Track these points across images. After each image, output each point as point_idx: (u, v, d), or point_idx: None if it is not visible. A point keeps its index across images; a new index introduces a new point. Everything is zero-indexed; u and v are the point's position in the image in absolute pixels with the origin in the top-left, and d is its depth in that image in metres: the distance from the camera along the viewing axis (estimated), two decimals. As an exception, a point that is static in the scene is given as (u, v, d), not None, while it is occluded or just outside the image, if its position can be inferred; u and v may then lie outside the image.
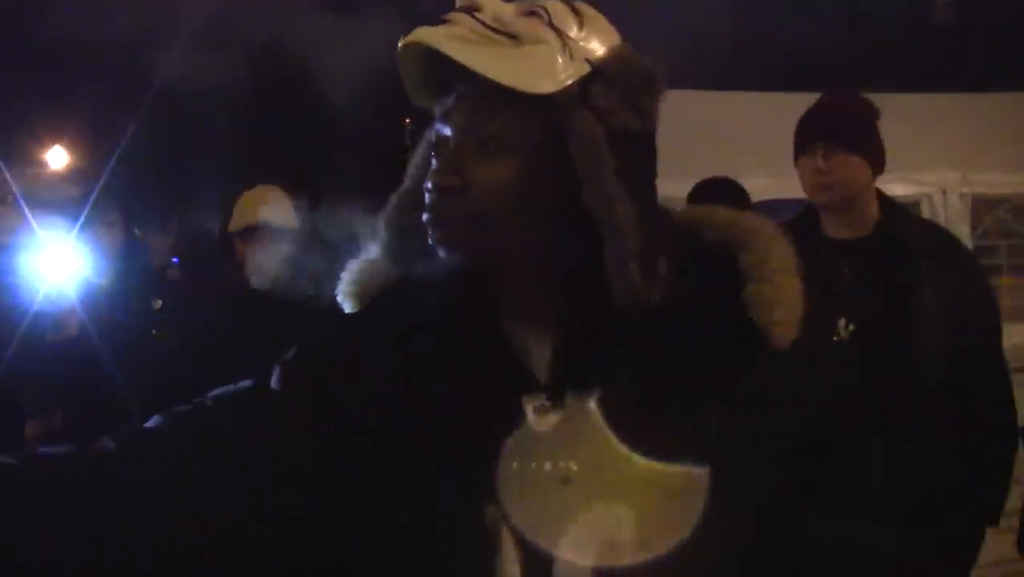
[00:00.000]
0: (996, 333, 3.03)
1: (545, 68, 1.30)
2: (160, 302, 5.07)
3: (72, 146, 25.63)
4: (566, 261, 1.35)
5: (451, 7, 1.33)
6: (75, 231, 4.73)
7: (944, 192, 9.59)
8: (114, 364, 4.16)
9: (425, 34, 1.30)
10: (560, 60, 1.31)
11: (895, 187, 9.50)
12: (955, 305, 2.85)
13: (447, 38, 1.29)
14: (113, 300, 4.66)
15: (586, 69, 1.33)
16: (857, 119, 3.10)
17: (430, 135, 1.46)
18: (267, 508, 1.40)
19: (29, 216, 4.69)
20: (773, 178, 6.56)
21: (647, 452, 1.29)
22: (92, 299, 4.49)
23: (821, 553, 1.36)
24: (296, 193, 4.43)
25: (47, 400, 4.39)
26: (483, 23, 1.30)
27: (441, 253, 1.36)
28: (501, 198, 1.32)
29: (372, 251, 1.54)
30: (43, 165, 22.94)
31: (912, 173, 9.89)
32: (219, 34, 36.25)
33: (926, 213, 9.64)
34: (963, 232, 9.85)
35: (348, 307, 1.54)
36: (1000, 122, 10.79)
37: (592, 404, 1.32)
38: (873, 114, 3.13)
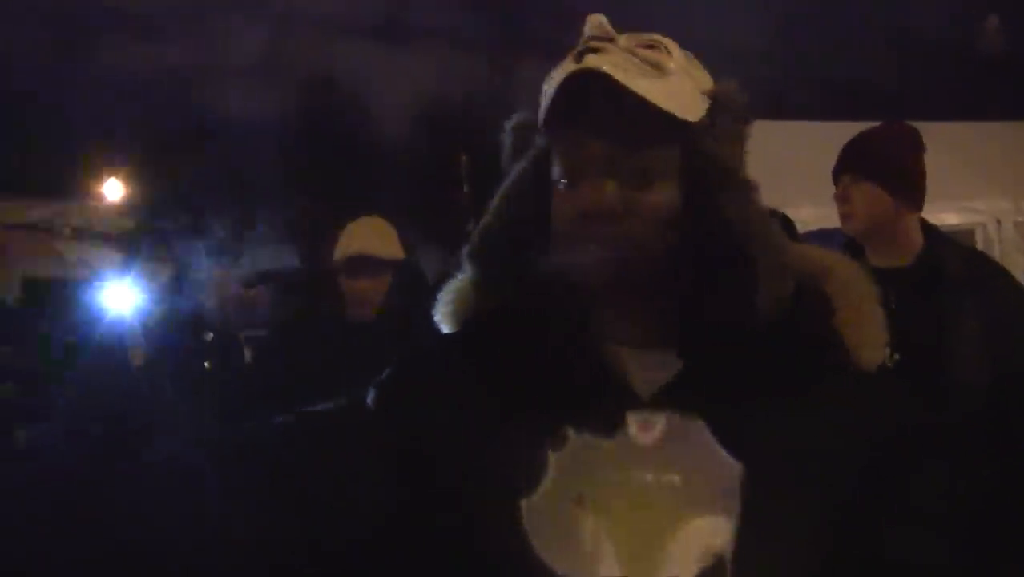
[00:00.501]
0: None
1: (690, 98, 1.38)
2: (211, 334, 5.13)
3: (126, 179, 25.98)
4: (708, 277, 1.38)
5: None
6: (129, 265, 4.82)
7: (998, 221, 9.51)
8: (167, 395, 4.21)
9: (597, 60, 1.34)
10: (694, 90, 1.40)
11: (948, 216, 9.39)
12: (1000, 334, 2.82)
13: (613, 67, 1.33)
14: (165, 333, 4.71)
15: (707, 101, 1.40)
16: (885, 149, 3.07)
17: (520, 167, 1.51)
18: (352, 519, 1.45)
19: (86, 250, 4.77)
20: (821, 207, 6.53)
21: (749, 464, 1.33)
22: (145, 332, 4.55)
23: (893, 570, 1.37)
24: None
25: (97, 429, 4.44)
26: (633, 54, 1.36)
27: (587, 271, 1.38)
28: (659, 223, 1.36)
29: (468, 272, 1.56)
30: (99, 198, 23.26)
31: (965, 202, 9.80)
32: (271, 67, 36.62)
33: (980, 242, 9.54)
34: (1018, 261, 9.71)
35: (445, 328, 1.56)
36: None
37: (699, 419, 1.36)
38: (912, 145, 3.06)
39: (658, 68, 1.35)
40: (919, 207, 3.08)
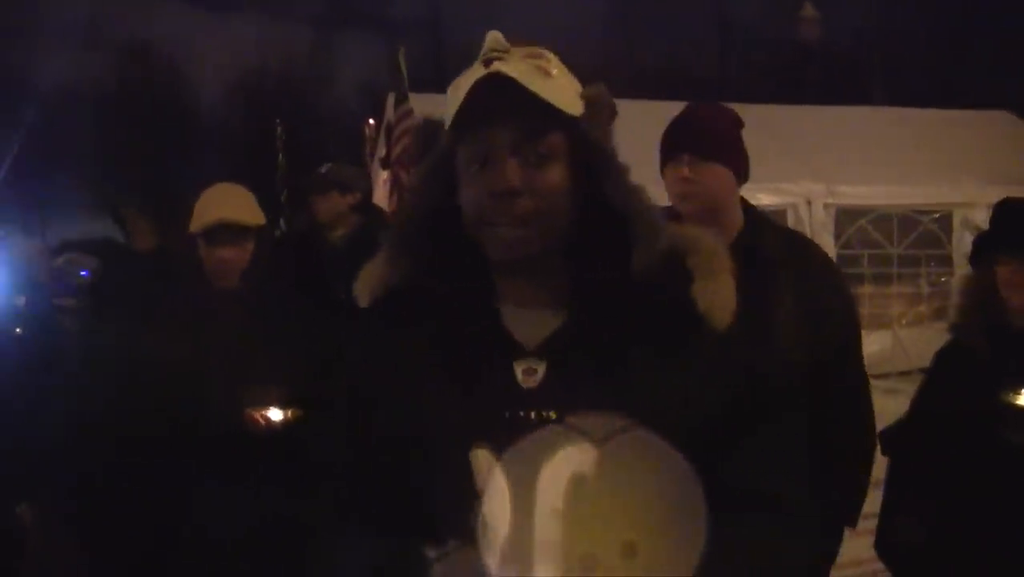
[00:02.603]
0: (856, 340, 3.07)
1: (572, 96, 1.66)
2: (24, 299, 4.97)
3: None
4: (592, 245, 1.66)
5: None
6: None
7: (809, 202, 9.83)
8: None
9: (502, 66, 1.60)
10: (573, 91, 1.68)
11: (763, 197, 9.59)
12: (815, 313, 2.83)
13: (514, 71, 1.59)
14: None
15: (582, 100, 1.68)
16: (721, 129, 3.03)
17: (429, 161, 1.77)
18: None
19: None
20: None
21: (614, 401, 1.52)
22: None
23: (731, 495, 1.55)
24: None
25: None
26: (528, 63, 1.62)
27: (504, 247, 1.64)
28: (556, 198, 1.62)
29: (378, 259, 1.82)
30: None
31: (779, 183, 10.08)
32: (88, 34, 35.38)
33: (791, 222, 9.77)
34: (827, 242, 10.05)
35: (362, 302, 1.81)
36: (863, 136, 11.12)
37: (574, 364, 1.62)
38: (736, 124, 3.07)
39: (546, 73, 1.63)
40: (742, 185, 3.10)
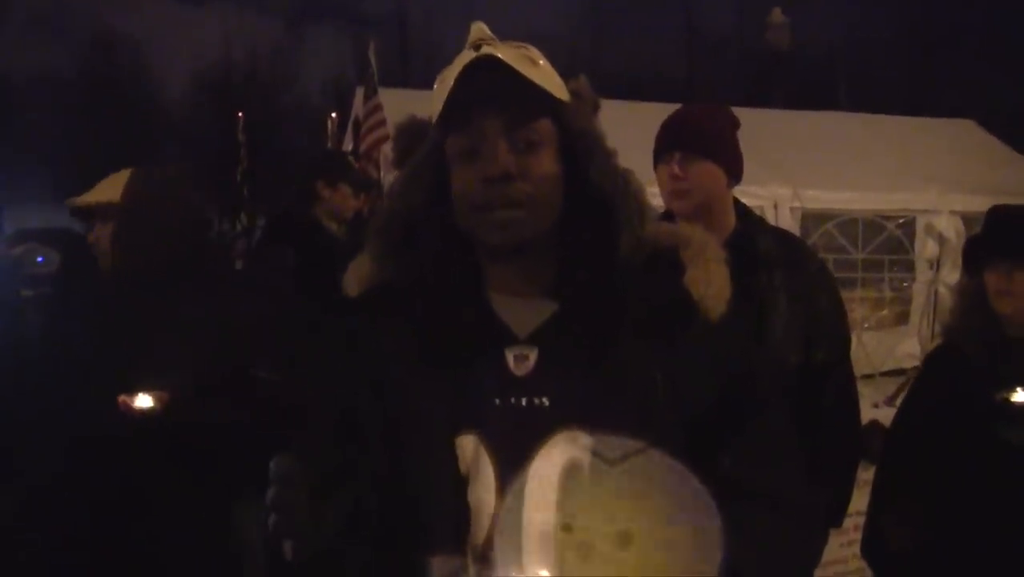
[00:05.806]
0: (846, 342, 3.11)
1: (559, 84, 1.71)
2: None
3: None
4: (580, 231, 1.68)
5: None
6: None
7: (775, 206, 9.84)
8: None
9: (492, 50, 1.62)
10: (559, 80, 1.72)
11: (730, 199, 9.69)
12: (808, 313, 2.92)
13: (504, 55, 1.62)
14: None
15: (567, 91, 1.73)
16: (713, 127, 3.07)
17: (416, 158, 1.79)
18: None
19: None
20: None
21: (607, 388, 1.60)
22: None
23: (726, 490, 1.50)
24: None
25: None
26: (516, 51, 1.65)
27: (500, 230, 1.64)
28: (548, 183, 1.65)
29: (364, 256, 1.83)
30: None
31: (747, 186, 10.03)
32: (51, 21, 35.05)
33: (758, 226, 9.84)
34: (793, 245, 10.09)
35: (350, 293, 1.82)
36: (830, 141, 11.18)
37: (567, 352, 1.62)
38: (731, 124, 3.12)
39: (532, 61, 1.66)
40: (734, 184, 3.09)
